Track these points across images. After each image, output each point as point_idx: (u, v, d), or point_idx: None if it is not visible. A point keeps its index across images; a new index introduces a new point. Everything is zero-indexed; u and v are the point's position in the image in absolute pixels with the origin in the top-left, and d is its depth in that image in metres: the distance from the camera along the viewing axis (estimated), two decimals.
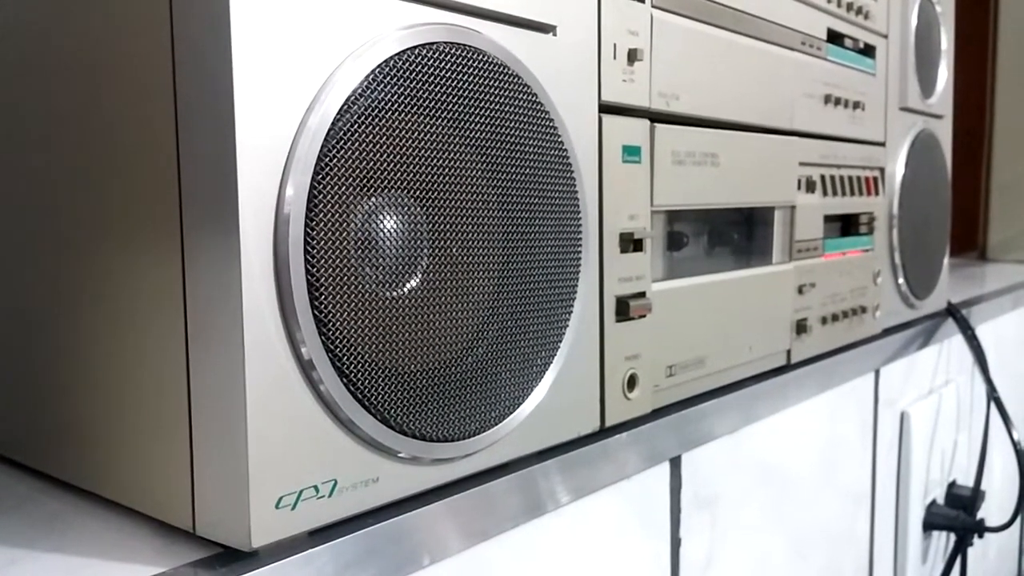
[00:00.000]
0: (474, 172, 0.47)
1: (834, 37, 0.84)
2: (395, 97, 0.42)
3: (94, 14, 0.44)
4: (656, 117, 0.61)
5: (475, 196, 0.47)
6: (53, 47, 0.47)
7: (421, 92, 0.43)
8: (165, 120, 0.40)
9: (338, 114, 0.40)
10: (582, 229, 0.54)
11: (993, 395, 1.06)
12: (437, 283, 0.45)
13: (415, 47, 0.43)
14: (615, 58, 0.57)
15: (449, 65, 0.45)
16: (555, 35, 0.52)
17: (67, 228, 0.47)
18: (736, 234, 0.75)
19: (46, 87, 0.48)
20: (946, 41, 1.08)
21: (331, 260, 0.39)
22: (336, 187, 0.39)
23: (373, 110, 0.41)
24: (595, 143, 0.56)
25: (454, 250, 0.46)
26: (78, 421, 0.48)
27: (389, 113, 0.42)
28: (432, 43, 0.44)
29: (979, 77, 2.06)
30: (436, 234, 0.45)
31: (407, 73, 0.43)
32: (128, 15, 0.42)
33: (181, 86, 0.39)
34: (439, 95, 0.44)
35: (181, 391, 0.40)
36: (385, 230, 0.43)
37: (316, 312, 0.39)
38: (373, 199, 0.42)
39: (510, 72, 0.48)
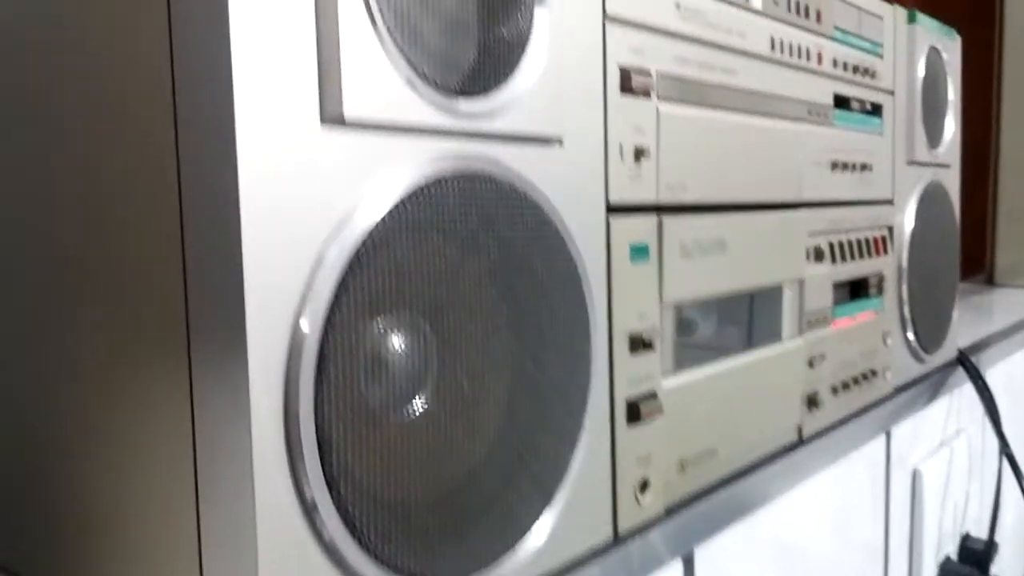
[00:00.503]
0: (482, 290, 0.45)
1: (841, 102, 0.83)
2: (410, 229, 0.41)
3: (99, 165, 0.43)
4: (664, 209, 0.60)
5: (483, 312, 0.46)
6: (59, 179, 0.46)
7: (435, 222, 0.42)
8: (173, 268, 0.39)
9: (356, 249, 0.39)
10: (591, 337, 0.53)
11: (1005, 451, 1.04)
12: (443, 406, 0.44)
13: (432, 183, 0.42)
14: (622, 158, 0.56)
15: (462, 195, 0.44)
16: (562, 146, 0.51)
17: (73, 347, 0.46)
18: (745, 313, 0.74)
19: (49, 216, 0.47)
20: (953, 92, 1.07)
21: (342, 391, 0.38)
22: (350, 317, 0.39)
23: (388, 242, 0.40)
24: (603, 248, 0.55)
25: (461, 368, 0.45)
26: (78, 554, 0.47)
27: (403, 244, 0.41)
28: (446, 178, 0.43)
29: (985, 97, 2.05)
30: (444, 353, 0.44)
31: (422, 207, 0.42)
32: (133, 164, 0.40)
33: (188, 230, 0.38)
34: (451, 223, 0.43)
35: (191, 536, 0.39)
36: (393, 351, 0.42)
37: (320, 442, 0.38)
38: (383, 321, 0.41)
39: (519, 193, 0.47)
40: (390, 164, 0.41)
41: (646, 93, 0.57)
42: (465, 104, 0.44)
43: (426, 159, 0.43)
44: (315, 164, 0.38)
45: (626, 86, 0.55)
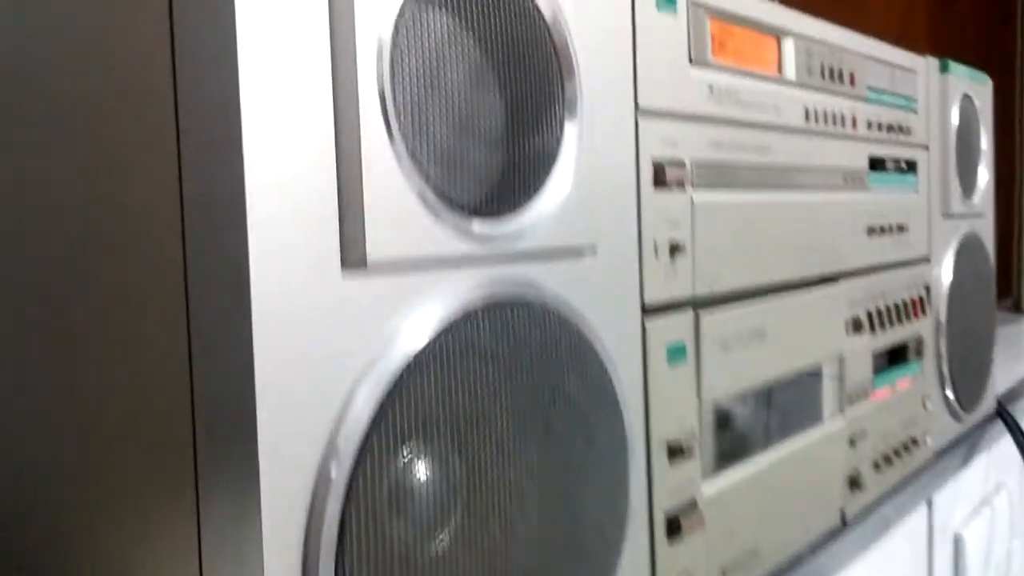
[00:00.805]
0: (514, 420, 0.42)
1: (876, 163, 0.79)
2: (440, 367, 0.38)
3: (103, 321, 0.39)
4: (700, 304, 0.56)
5: (516, 443, 0.42)
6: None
7: (466, 356, 0.39)
8: (183, 423, 0.35)
9: (384, 394, 0.36)
10: (629, 455, 0.49)
11: None
12: (470, 540, 0.40)
13: (462, 318, 0.39)
14: (656, 256, 0.52)
15: (492, 326, 0.40)
16: (595, 253, 0.47)
17: (80, 492, 0.43)
18: (784, 395, 0.70)
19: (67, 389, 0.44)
20: (985, 139, 1.03)
21: (367, 537, 0.35)
22: (379, 460, 0.36)
23: (417, 381, 0.37)
24: (639, 354, 0.51)
25: (490, 503, 0.41)
26: None
27: (433, 381, 0.38)
28: (476, 310, 0.40)
29: (1008, 124, 2.01)
30: (472, 487, 0.40)
31: (452, 342, 0.39)
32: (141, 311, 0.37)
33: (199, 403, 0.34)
34: (482, 355, 0.40)
35: None
36: (420, 487, 0.38)
37: None
38: (411, 455, 0.38)
39: (553, 313, 0.44)
40: (417, 301, 0.38)
41: (680, 185, 0.53)
42: (494, 227, 0.40)
43: (454, 290, 0.39)
44: (336, 311, 0.35)
45: (660, 180, 0.52)
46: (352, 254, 0.35)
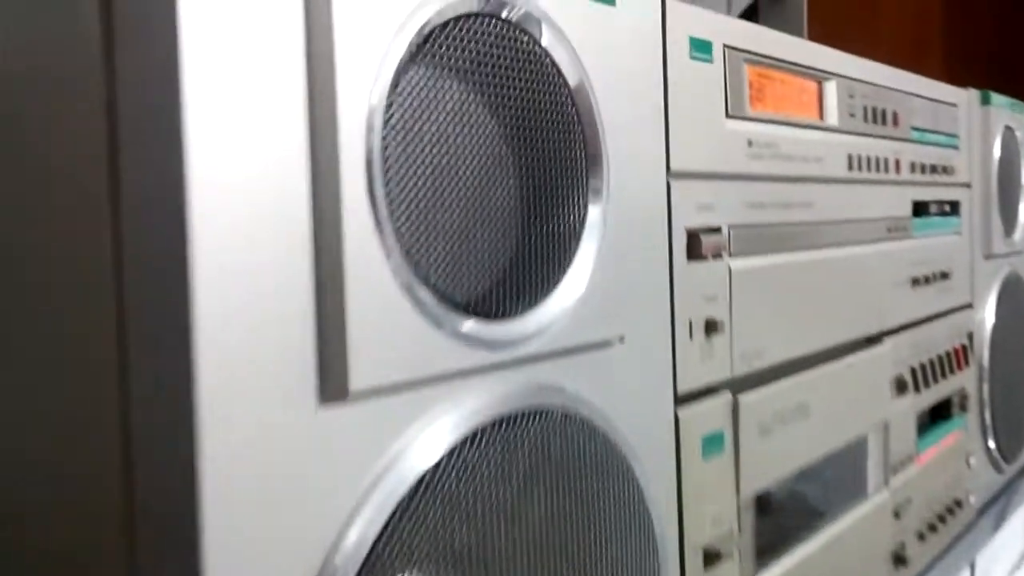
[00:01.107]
0: (531, 544, 0.36)
1: (919, 208, 0.73)
2: (443, 498, 0.32)
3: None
4: (739, 385, 0.50)
5: (532, 568, 0.36)
6: None
7: (475, 481, 0.33)
8: None
9: (385, 524, 0.30)
10: (661, 567, 0.43)
11: None
12: None
13: (468, 439, 0.33)
14: (691, 338, 0.46)
15: (505, 444, 0.34)
16: (622, 342, 0.41)
17: None
18: (825, 473, 0.63)
19: None
20: None
21: None
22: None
23: (419, 513, 0.31)
24: (671, 450, 0.45)
25: None
26: None
27: (436, 512, 0.32)
28: (485, 427, 0.34)
29: None
30: None
31: (459, 469, 0.32)
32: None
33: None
34: (493, 479, 0.34)
35: None
36: None
37: None
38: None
39: (574, 419, 0.38)
40: (413, 423, 0.32)
41: (717, 254, 0.47)
42: (505, 330, 0.34)
43: (458, 406, 0.33)
44: (310, 451, 0.28)
45: (695, 251, 0.45)
46: (331, 385, 0.28)
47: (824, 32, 0.87)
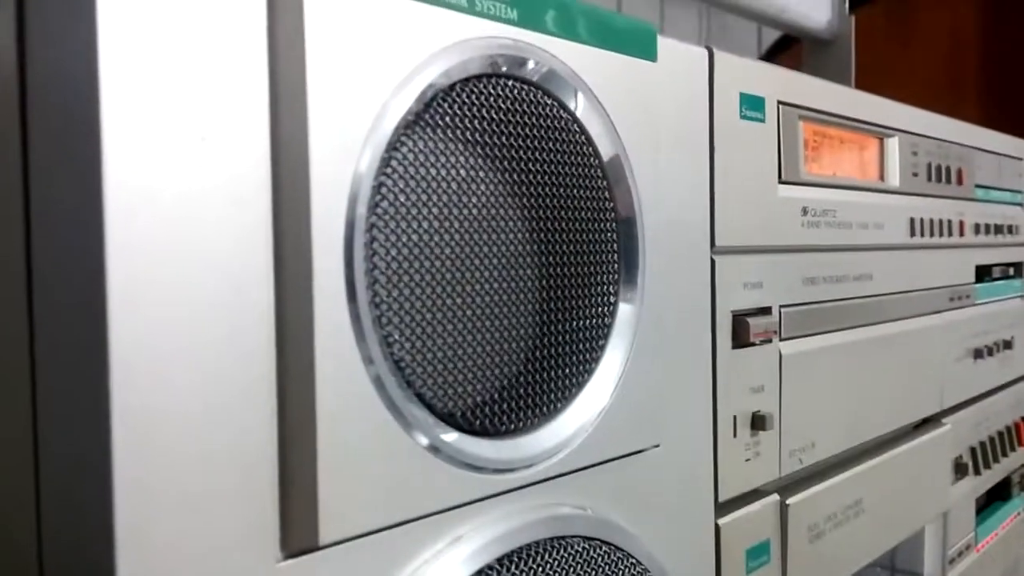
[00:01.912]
0: None
1: (982, 273, 0.66)
2: None
3: None
4: (788, 486, 0.44)
5: None
6: None
7: None
8: None
9: None
10: None
11: None
12: None
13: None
14: (735, 436, 0.40)
15: (529, 571, 0.28)
16: (657, 447, 0.35)
17: None
18: (876, 570, 0.57)
19: None
20: None
21: None
22: None
23: None
24: (712, 568, 0.39)
25: None
26: None
27: None
28: (492, 567, 0.27)
29: None
30: None
31: None
32: None
33: None
34: None
35: None
36: None
37: None
38: None
39: (598, 543, 0.32)
40: (406, 569, 0.26)
41: (767, 339, 0.41)
42: (513, 447, 0.28)
43: (458, 546, 0.27)
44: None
45: (742, 338, 0.39)
46: (296, 537, 0.23)
47: (856, 71, 0.81)
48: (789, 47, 1.12)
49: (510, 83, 0.27)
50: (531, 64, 0.27)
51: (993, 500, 0.74)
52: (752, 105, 0.39)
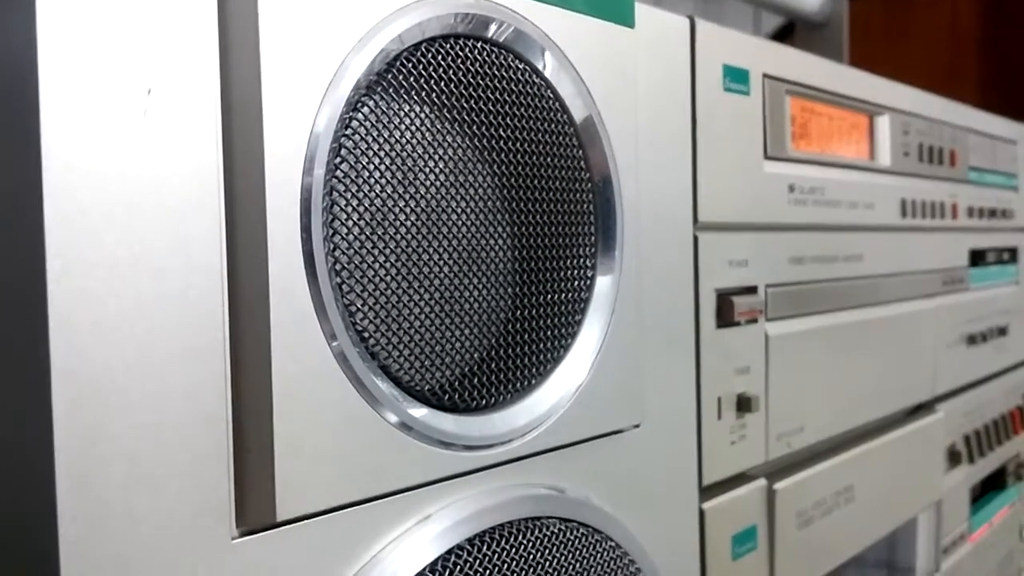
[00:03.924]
0: None
1: (977, 257, 0.65)
2: None
3: None
4: (775, 471, 0.43)
5: None
6: None
7: None
8: None
9: None
10: None
11: None
12: None
13: (443, 558, 0.26)
14: (720, 417, 0.39)
15: (493, 560, 0.27)
16: (637, 427, 0.34)
17: None
18: (868, 558, 0.56)
19: None
20: None
21: None
22: None
23: None
24: (696, 554, 0.38)
25: None
26: None
27: None
28: (463, 548, 0.27)
29: None
30: None
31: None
32: None
33: None
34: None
35: None
36: None
37: None
38: None
39: (575, 525, 0.31)
40: (372, 548, 0.25)
41: (752, 319, 0.40)
42: (485, 424, 0.27)
43: (428, 525, 0.26)
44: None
45: (726, 317, 0.38)
46: (253, 513, 0.22)
47: (855, 60, 0.80)
48: (789, 36, 1.11)
49: (477, 44, 0.26)
50: (495, 25, 0.26)
51: (988, 489, 0.73)
52: (736, 77, 0.38)
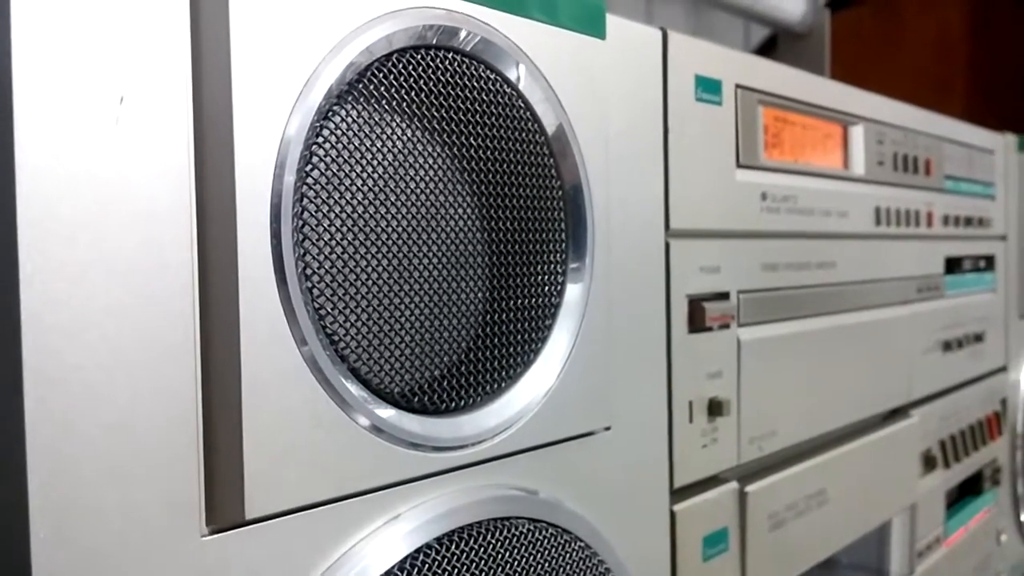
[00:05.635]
0: None
1: (952, 265, 0.66)
2: None
3: None
4: (747, 473, 0.44)
5: None
6: None
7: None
8: None
9: None
10: None
11: None
12: None
13: (412, 556, 0.26)
14: (691, 421, 0.39)
15: (461, 560, 0.28)
16: (608, 430, 0.35)
17: None
18: (842, 561, 0.57)
19: None
20: None
21: None
22: None
23: None
24: (667, 556, 0.38)
25: None
26: None
27: None
28: (431, 547, 0.27)
29: None
30: None
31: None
32: None
33: None
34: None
35: None
36: None
37: None
38: None
39: (545, 526, 0.31)
40: (340, 547, 0.25)
41: (724, 324, 0.41)
42: (454, 426, 0.28)
43: (396, 524, 0.27)
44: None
45: (697, 322, 0.39)
46: (222, 511, 0.22)
47: (843, 71, 0.81)
48: (773, 49, 1.12)
49: (447, 55, 0.27)
50: (463, 35, 0.27)
51: (965, 494, 0.74)
52: (708, 88, 0.39)
